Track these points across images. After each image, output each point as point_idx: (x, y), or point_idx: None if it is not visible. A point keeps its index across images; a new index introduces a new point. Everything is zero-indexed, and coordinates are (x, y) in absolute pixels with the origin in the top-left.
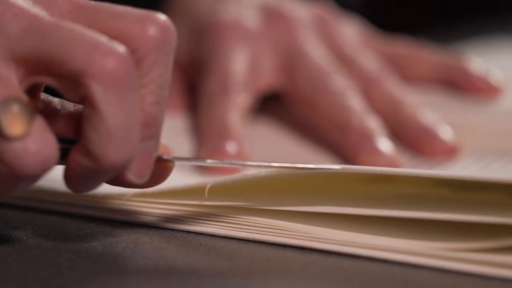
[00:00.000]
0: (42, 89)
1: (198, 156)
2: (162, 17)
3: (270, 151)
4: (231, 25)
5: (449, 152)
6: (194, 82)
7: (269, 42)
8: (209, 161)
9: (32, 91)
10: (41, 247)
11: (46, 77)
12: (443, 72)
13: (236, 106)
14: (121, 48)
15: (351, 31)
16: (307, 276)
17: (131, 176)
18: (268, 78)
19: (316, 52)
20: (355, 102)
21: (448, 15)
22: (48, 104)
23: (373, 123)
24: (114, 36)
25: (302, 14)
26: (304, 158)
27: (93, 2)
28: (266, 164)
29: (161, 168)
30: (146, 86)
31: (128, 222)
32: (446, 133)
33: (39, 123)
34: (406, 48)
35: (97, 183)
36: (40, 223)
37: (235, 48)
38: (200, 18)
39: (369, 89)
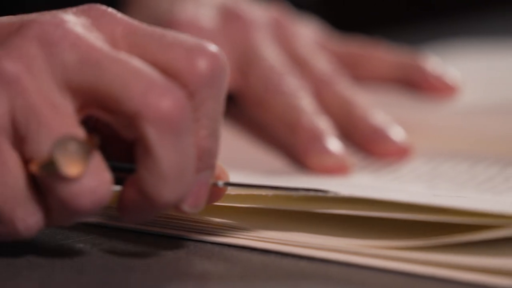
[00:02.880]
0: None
1: None
2: (212, 48)
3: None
4: (187, 24)
5: (400, 152)
6: None
7: (224, 42)
8: (267, 189)
9: (88, 121)
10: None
11: (101, 111)
12: (399, 71)
13: None
14: (176, 89)
15: (306, 33)
16: (265, 276)
17: (186, 208)
18: None
19: (270, 53)
20: (306, 102)
21: (410, 17)
22: (100, 129)
23: (323, 124)
24: (164, 69)
25: (258, 15)
26: (254, 157)
27: (145, 28)
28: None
29: (215, 191)
30: (199, 120)
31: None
32: (397, 134)
33: (95, 161)
34: (361, 48)
35: (150, 216)
36: None
37: None
38: (158, 17)
39: (321, 91)
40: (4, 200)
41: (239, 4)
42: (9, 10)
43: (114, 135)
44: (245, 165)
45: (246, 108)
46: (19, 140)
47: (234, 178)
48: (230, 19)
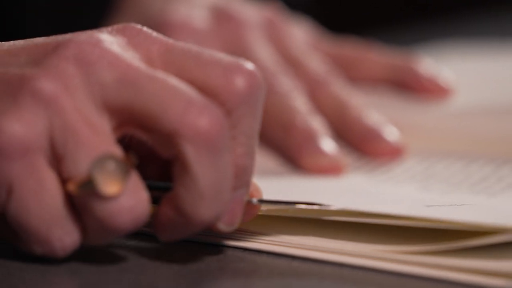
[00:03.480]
0: (135, 139)
1: None
2: (249, 66)
3: None
4: (179, 25)
5: (394, 152)
6: None
7: (217, 42)
8: (300, 206)
9: (125, 141)
10: None
11: (139, 130)
12: (392, 73)
13: None
14: (214, 107)
15: (299, 33)
16: (257, 276)
17: (222, 226)
18: None
19: (263, 53)
20: (300, 102)
21: (402, 17)
22: (135, 147)
23: (317, 124)
24: (201, 87)
25: (251, 15)
26: None
27: (181, 45)
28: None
29: (249, 208)
30: (236, 138)
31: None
32: (391, 134)
33: (133, 179)
34: (354, 50)
35: (187, 235)
36: None
37: None
38: (151, 18)
39: (315, 91)
40: (41, 219)
41: (231, 4)
42: (9, 10)
43: (148, 154)
44: None
45: None
46: (57, 160)
47: None
48: (223, 19)
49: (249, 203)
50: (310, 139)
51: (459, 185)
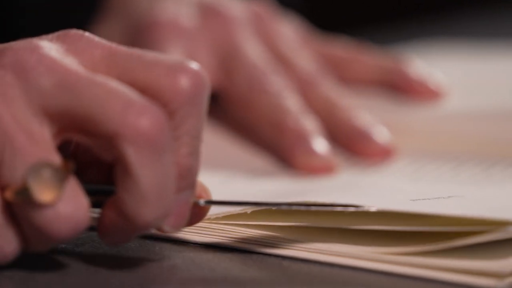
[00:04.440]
0: (75, 144)
1: None
2: (193, 66)
3: (206, 152)
4: (167, 24)
5: (383, 153)
6: None
7: (206, 40)
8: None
9: (65, 146)
10: None
11: (79, 135)
12: (382, 76)
13: None
14: (154, 108)
15: (289, 31)
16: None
17: (167, 228)
18: None
19: (253, 51)
20: (291, 102)
21: (391, 16)
22: (81, 153)
23: (309, 124)
24: (145, 88)
25: (240, 12)
26: (238, 157)
27: (124, 49)
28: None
29: (197, 209)
30: (180, 139)
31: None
32: (380, 135)
33: (71, 186)
34: (344, 51)
35: (131, 238)
36: None
37: (171, 48)
38: (138, 17)
39: (304, 91)
40: None
41: (219, 1)
42: (9, 10)
43: (96, 160)
44: (228, 165)
45: (230, 108)
46: None
47: (218, 178)
48: (211, 16)
49: (196, 204)
50: (302, 139)
51: (448, 182)
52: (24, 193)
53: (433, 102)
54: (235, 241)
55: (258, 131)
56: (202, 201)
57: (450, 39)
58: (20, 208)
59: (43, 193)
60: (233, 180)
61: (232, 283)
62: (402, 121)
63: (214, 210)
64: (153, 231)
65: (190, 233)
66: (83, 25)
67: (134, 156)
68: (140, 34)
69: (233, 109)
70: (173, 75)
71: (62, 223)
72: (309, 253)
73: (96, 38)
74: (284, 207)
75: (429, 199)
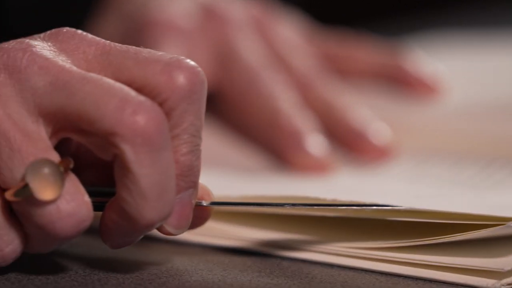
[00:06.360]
0: (73, 142)
1: None
2: (189, 63)
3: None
4: (164, 24)
5: (379, 152)
6: None
7: (203, 41)
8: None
9: (63, 145)
10: None
11: (76, 134)
12: (381, 73)
13: None
14: (150, 104)
15: (288, 32)
16: (248, 275)
17: (170, 229)
18: None
19: (250, 53)
20: (286, 103)
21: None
22: (82, 155)
23: (303, 124)
24: (141, 86)
25: (238, 14)
26: (235, 160)
27: (118, 47)
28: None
29: (200, 211)
30: (178, 137)
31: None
32: (377, 134)
33: (71, 183)
34: (342, 49)
35: (134, 239)
36: None
37: (167, 48)
38: (134, 16)
39: (301, 92)
40: None
41: (218, 2)
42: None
43: (96, 162)
44: (224, 163)
45: (226, 109)
46: None
47: (214, 177)
48: (209, 18)
49: (198, 205)
50: (295, 139)
51: (447, 182)
52: (24, 192)
53: (431, 97)
54: (235, 241)
55: (253, 131)
56: (205, 202)
57: (455, 30)
58: (22, 208)
59: (44, 190)
60: (230, 180)
61: (231, 283)
62: (402, 119)
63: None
64: (154, 233)
65: (188, 234)
66: (79, 23)
67: (132, 155)
68: (137, 33)
69: (229, 110)
70: (169, 72)
71: (64, 220)
72: (309, 254)
73: (89, 36)
74: (287, 207)
75: (429, 198)
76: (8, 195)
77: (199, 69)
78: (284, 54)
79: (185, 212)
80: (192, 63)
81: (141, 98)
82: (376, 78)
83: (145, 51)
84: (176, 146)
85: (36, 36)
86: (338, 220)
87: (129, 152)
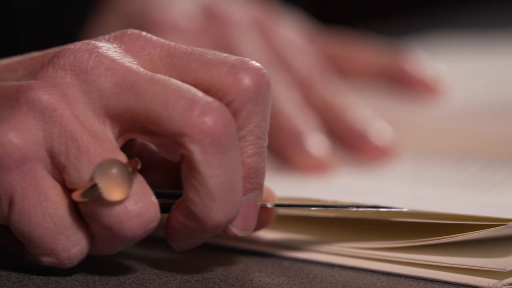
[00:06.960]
0: (140, 143)
1: None
2: (255, 64)
3: None
4: (165, 24)
5: (380, 152)
6: None
7: (203, 42)
8: (314, 208)
9: (126, 147)
10: None
11: (143, 135)
12: (382, 73)
13: None
14: (218, 105)
15: (288, 33)
16: (249, 275)
17: (236, 231)
18: None
19: (250, 54)
20: (287, 104)
21: (398, 8)
22: (145, 157)
23: (303, 124)
24: (206, 88)
25: (238, 15)
26: None
27: (183, 48)
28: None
29: (264, 213)
30: (244, 138)
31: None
32: (377, 134)
33: (139, 184)
34: (343, 49)
35: (201, 241)
36: None
37: None
38: (134, 16)
39: (302, 93)
40: (45, 230)
41: (219, 3)
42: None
43: (160, 164)
44: None
45: None
46: (59, 169)
47: None
48: (209, 18)
49: (263, 207)
50: (295, 139)
51: (448, 182)
52: (92, 192)
53: (431, 97)
54: (236, 241)
55: None
56: (270, 204)
57: (456, 31)
58: (89, 208)
59: (112, 191)
60: None
61: (232, 283)
62: (404, 119)
63: None
64: (154, 232)
65: None
66: (78, 26)
67: (201, 156)
68: None
69: None
70: (235, 74)
71: (132, 221)
72: (310, 253)
73: (153, 38)
74: (352, 209)
75: (429, 198)
76: (76, 196)
77: (265, 70)
78: (285, 55)
79: (251, 214)
80: (258, 64)
81: (209, 98)
82: (377, 79)
83: (210, 53)
84: (242, 147)
85: (101, 37)
86: (340, 220)
87: (197, 152)
